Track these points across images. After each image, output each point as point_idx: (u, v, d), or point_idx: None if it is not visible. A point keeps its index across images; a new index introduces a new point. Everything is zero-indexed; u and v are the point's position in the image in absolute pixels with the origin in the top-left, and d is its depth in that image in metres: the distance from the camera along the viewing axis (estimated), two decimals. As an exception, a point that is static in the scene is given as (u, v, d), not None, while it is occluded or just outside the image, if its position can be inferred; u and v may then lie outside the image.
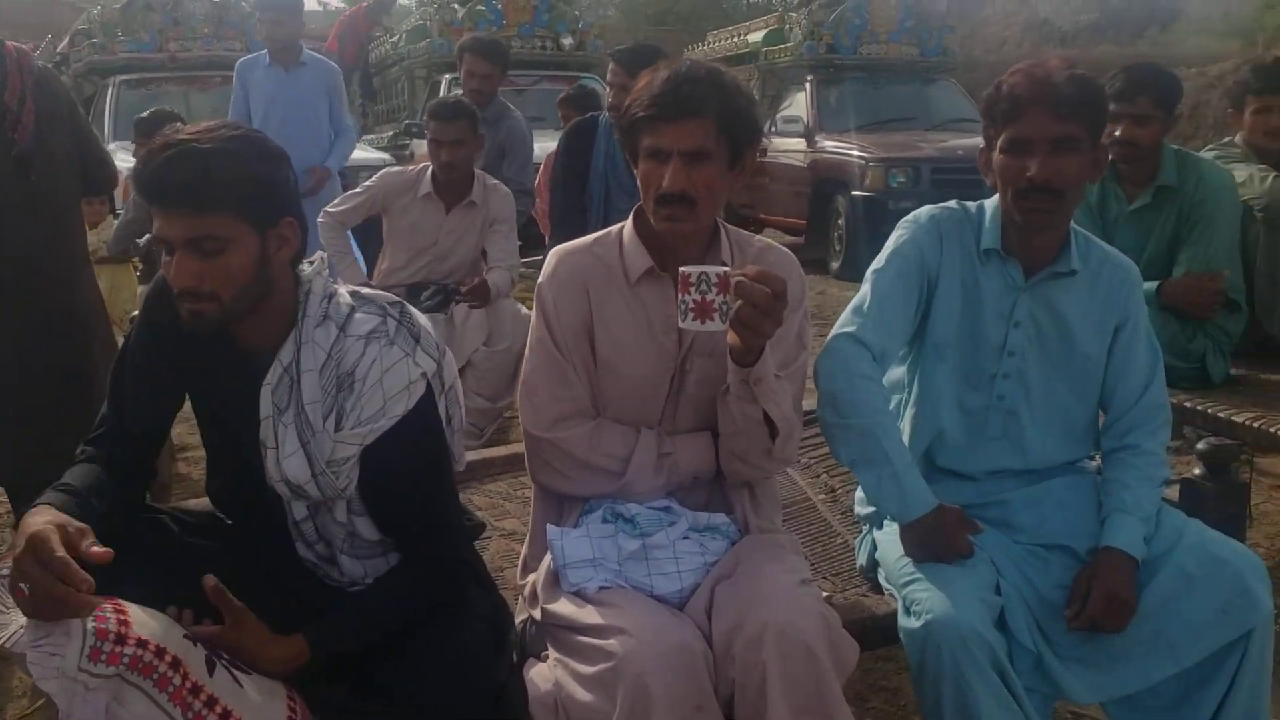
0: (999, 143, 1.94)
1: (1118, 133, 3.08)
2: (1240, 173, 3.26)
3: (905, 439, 2.04)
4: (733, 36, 11.68)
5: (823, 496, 2.54)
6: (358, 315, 1.67)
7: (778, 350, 1.83)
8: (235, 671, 1.45)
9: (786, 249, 2.02)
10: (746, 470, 1.89)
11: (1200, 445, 2.13)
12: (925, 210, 2.07)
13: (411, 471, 1.69)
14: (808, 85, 9.63)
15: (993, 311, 2.01)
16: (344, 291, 1.72)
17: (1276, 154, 3.38)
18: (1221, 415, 2.71)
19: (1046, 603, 1.91)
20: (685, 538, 1.85)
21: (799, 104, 9.68)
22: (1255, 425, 2.60)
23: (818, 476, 2.64)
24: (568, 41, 10.23)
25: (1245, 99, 3.41)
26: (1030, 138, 1.89)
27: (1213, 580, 1.85)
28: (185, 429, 4.33)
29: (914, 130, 9.00)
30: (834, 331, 2.00)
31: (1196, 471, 2.13)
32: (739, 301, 1.60)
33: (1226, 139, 3.52)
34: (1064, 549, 1.97)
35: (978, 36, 25.73)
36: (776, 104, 10.16)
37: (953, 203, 2.09)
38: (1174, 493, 2.18)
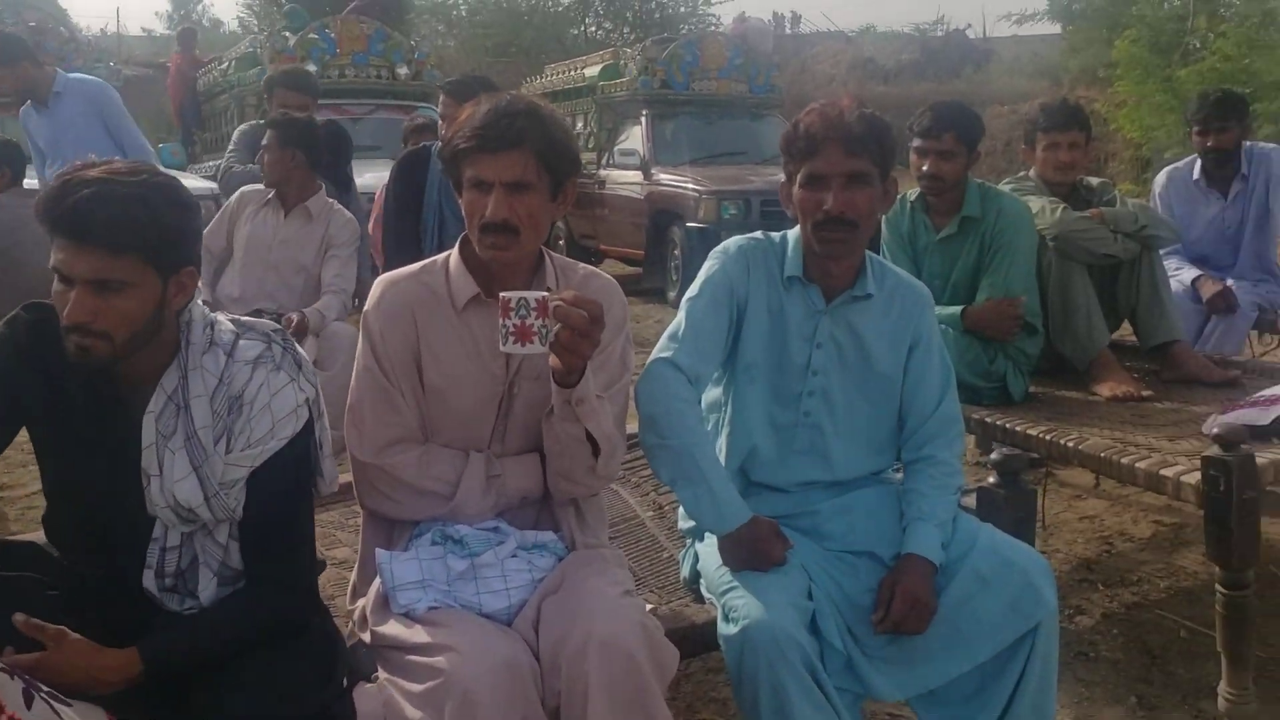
0: (798, 177, 2.08)
1: (925, 167, 3.30)
2: (1034, 204, 3.52)
3: (721, 456, 2.15)
4: (570, 70, 11.85)
5: (650, 514, 2.63)
6: (242, 341, 1.73)
7: (602, 372, 1.92)
8: (55, 703, 1.43)
9: (609, 276, 2.11)
10: (573, 488, 1.96)
11: (994, 456, 2.31)
12: (734, 241, 2.19)
13: (286, 492, 1.74)
14: (643, 119, 9.84)
15: (797, 334, 2.14)
16: (223, 319, 1.77)
17: (1065, 186, 3.67)
18: (1019, 429, 2.91)
19: (855, 606, 2.04)
20: (513, 556, 1.91)
21: (635, 137, 9.89)
22: (1048, 438, 2.80)
23: (646, 495, 2.74)
24: (403, 71, 10.19)
25: (1036, 136, 3.69)
26: (825, 173, 2.03)
27: (1003, 580, 2.00)
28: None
29: (745, 164, 9.30)
30: (651, 357, 2.09)
31: (991, 480, 2.30)
32: (558, 325, 1.68)
33: (1022, 173, 3.80)
34: (870, 555, 2.10)
35: (808, 74, 26.70)
36: (613, 137, 10.35)
37: (758, 233, 2.22)
38: (972, 500, 2.34)
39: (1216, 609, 2.43)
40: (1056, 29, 17.74)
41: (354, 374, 1.97)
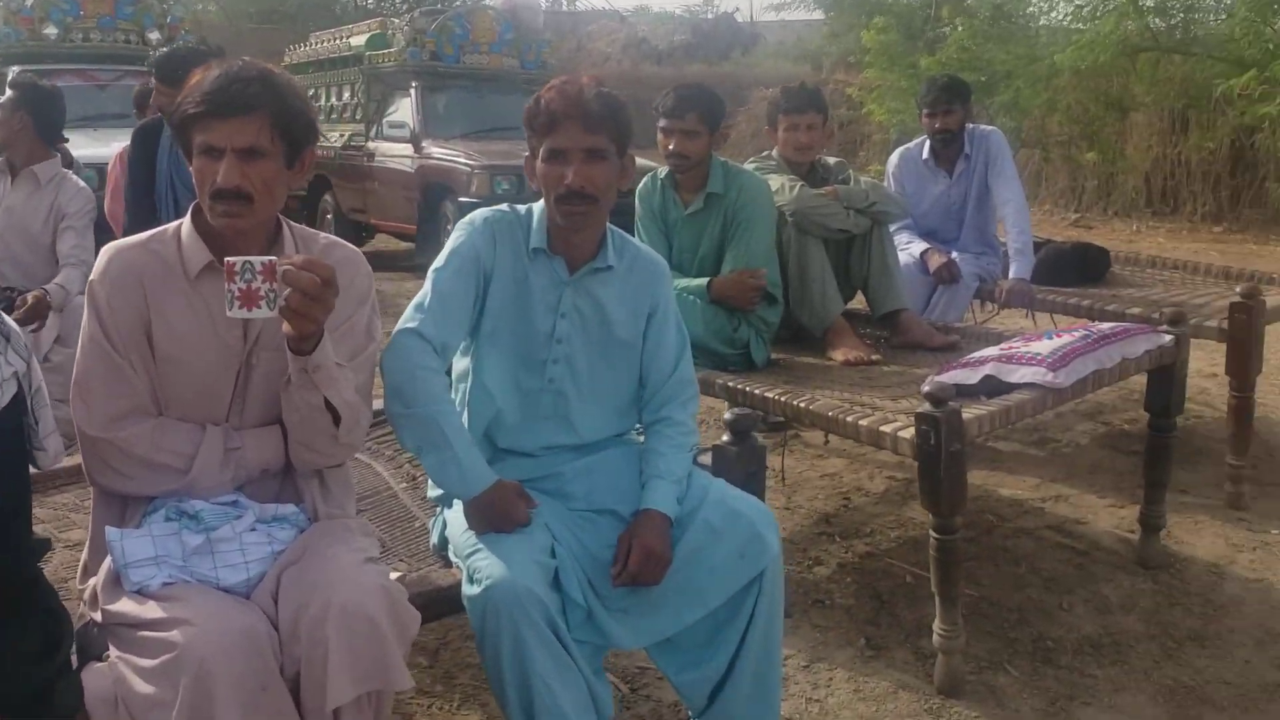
0: (540, 152, 2.15)
1: (671, 145, 3.44)
2: (774, 182, 3.72)
3: (467, 422, 2.20)
4: (335, 39, 11.48)
5: (404, 485, 2.65)
6: None
7: (346, 342, 1.93)
8: None
9: (353, 246, 2.11)
10: (315, 458, 1.97)
11: (726, 416, 2.45)
12: (480, 212, 2.24)
13: None
14: (413, 91, 9.67)
15: (542, 304, 2.21)
16: None
17: (805, 165, 3.90)
18: (758, 392, 3.09)
19: (597, 561, 2.13)
20: (252, 530, 1.90)
21: (405, 109, 9.70)
22: (783, 400, 2.99)
23: (400, 467, 2.75)
24: (154, 36, 9.63)
25: (778, 118, 3.89)
26: (565, 148, 2.11)
27: (732, 530, 2.14)
28: None
29: (517, 139, 9.12)
30: (397, 327, 2.11)
31: (724, 438, 2.44)
32: (288, 290, 1.69)
33: (765, 152, 4.01)
34: (612, 513, 2.20)
35: (584, 52, 26.87)
36: (382, 109, 10.12)
37: (504, 206, 2.27)
38: (708, 458, 2.48)
39: (930, 553, 2.67)
40: (819, 15, 18.49)
41: (79, 346, 1.90)
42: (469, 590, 1.98)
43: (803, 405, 2.94)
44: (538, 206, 2.24)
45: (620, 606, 2.13)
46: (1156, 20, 8.92)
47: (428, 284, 2.16)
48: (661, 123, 3.45)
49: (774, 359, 3.64)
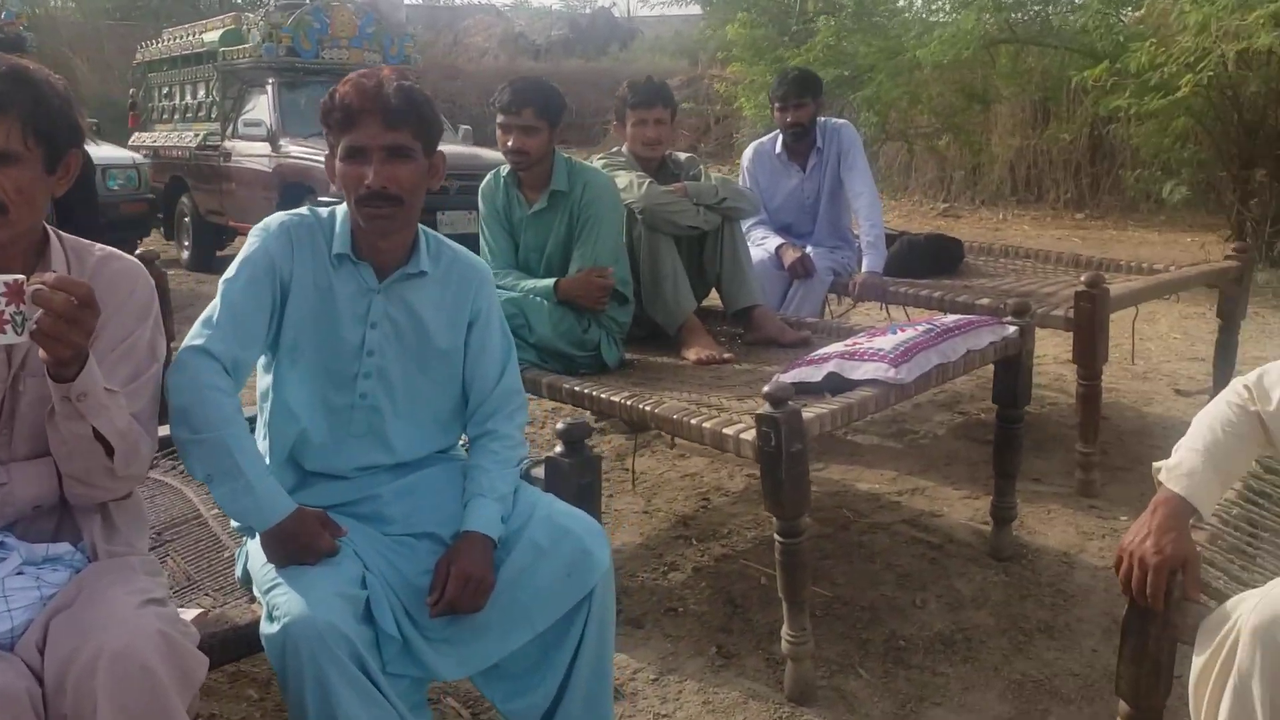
0: (339, 150, 2.00)
1: (509, 142, 3.32)
2: (623, 179, 3.63)
3: (268, 444, 2.04)
4: (188, 35, 11.02)
5: (215, 512, 2.47)
6: None
7: (126, 362, 1.76)
8: None
9: (133, 258, 1.93)
10: (92, 492, 1.79)
11: (558, 426, 2.34)
12: (275, 217, 2.08)
13: None
14: (270, 88, 9.32)
15: (349, 314, 2.06)
16: None
17: (654, 161, 3.81)
18: (603, 396, 2.99)
19: (414, 589, 1.99)
20: (19, 573, 1.71)
21: (261, 107, 9.35)
22: (628, 403, 2.89)
23: (210, 492, 2.57)
24: (-13, 30, 9.09)
25: (625, 112, 3.80)
26: (365, 145, 1.96)
27: (559, 548, 2.03)
28: None
29: (381, 136, 9.02)
30: (183, 344, 1.95)
31: (557, 449, 2.33)
32: (39, 311, 1.51)
33: (615, 149, 3.91)
34: (432, 536, 2.07)
35: (460, 46, 26.51)
36: (238, 107, 9.75)
37: (304, 209, 2.12)
38: (542, 470, 2.37)
39: (775, 558, 2.60)
40: (697, 9, 18.53)
41: None
42: (267, 629, 1.83)
43: (648, 409, 2.85)
44: (341, 210, 2.09)
45: (441, 635, 2.00)
46: (1015, 14, 9.08)
47: (217, 297, 2.00)
48: (499, 119, 3.33)
49: (627, 360, 3.55)
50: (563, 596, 2.03)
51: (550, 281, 3.35)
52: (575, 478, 2.30)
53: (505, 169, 3.46)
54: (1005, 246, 5.12)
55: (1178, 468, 1.99)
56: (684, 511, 3.75)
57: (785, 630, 2.63)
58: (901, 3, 9.67)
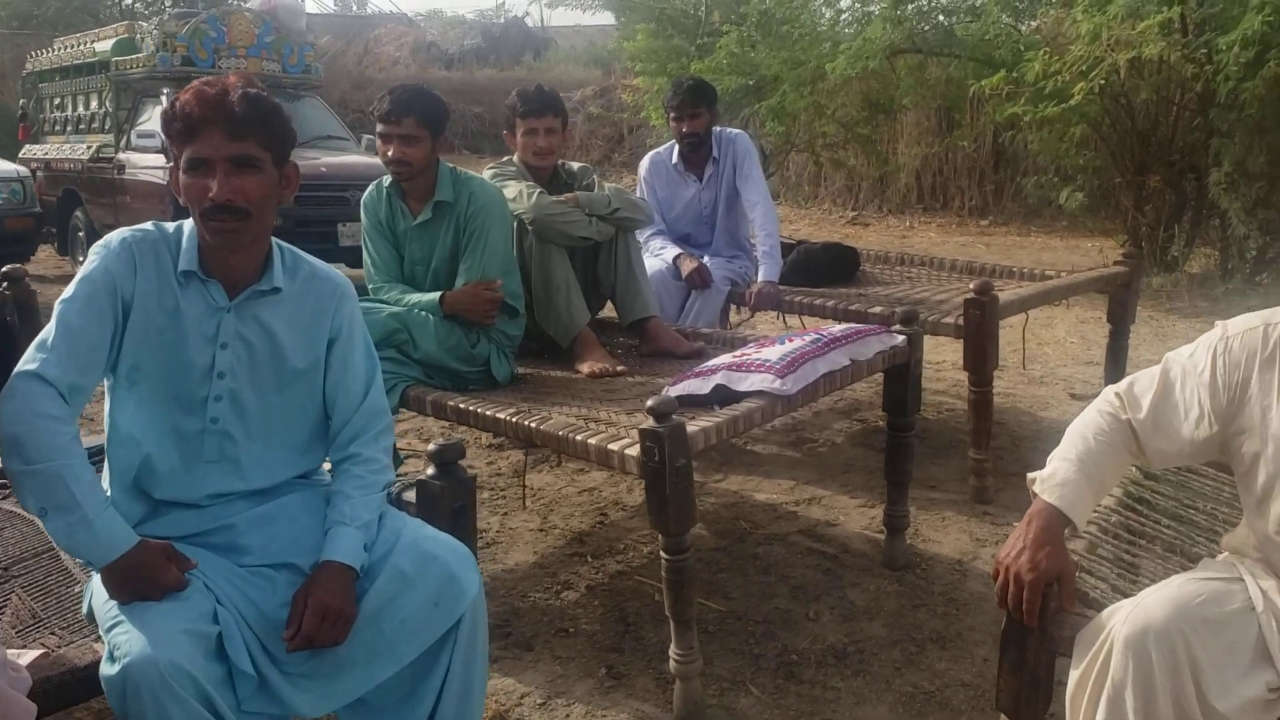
0: (182, 162, 1.90)
1: (390, 152, 3.23)
2: (512, 189, 3.56)
3: (109, 474, 1.93)
4: (80, 44, 10.66)
5: (67, 544, 2.34)
6: None
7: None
8: None
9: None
10: None
11: (430, 447, 2.25)
12: (118, 234, 1.96)
13: None
14: (165, 99, 9.05)
15: (197, 335, 1.96)
16: None
17: (546, 171, 3.74)
18: (489, 414, 2.91)
19: (271, 623, 1.89)
20: None
21: (156, 119, 9.08)
22: (514, 420, 2.82)
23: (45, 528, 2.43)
24: None
25: (515, 122, 3.72)
26: (208, 157, 1.87)
27: (425, 576, 1.95)
28: None
29: (280, 147, 8.83)
30: (16, 370, 1.82)
31: (429, 471, 2.24)
32: None
33: (506, 158, 3.83)
34: (291, 566, 1.97)
35: (371, 56, 26.15)
36: (132, 118, 9.45)
37: (149, 224, 2.01)
38: (414, 494, 2.28)
39: (662, 575, 2.54)
40: (610, 19, 18.48)
41: None
42: (107, 670, 1.71)
43: (534, 425, 2.78)
44: (188, 224, 1.99)
45: (301, 671, 1.90)
46: (918, 24, 9.20)
47: (53, 318, 1.88)
48: (379, 128, 3.24)
49: (520, 374, 3.48)
50: (430, 626, 1.95)
51: (436, 295, 3.26)
52: (448, 501, 2.21)
53: (387, 180, 3.37)
54: (901, 254, 5.15)
55: (1051, 478, 1.98)
56: (580, 528, 3.68)
57: (673, 649, 2.57)
58: (801, 14, 9.71)
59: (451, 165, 3.38)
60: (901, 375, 3.20)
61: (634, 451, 2.51)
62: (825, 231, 11.42)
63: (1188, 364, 1.94)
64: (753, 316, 4.90)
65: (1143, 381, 2.00)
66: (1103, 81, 7.02)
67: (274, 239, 2.04)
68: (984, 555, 3.40)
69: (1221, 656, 1.77)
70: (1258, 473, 1.86)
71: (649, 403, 2.46)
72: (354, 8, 32.55)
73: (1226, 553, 2.08)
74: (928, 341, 4.74)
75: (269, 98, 1.93)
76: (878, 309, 3.87)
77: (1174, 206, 8.05)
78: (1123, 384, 2.04)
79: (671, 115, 4.54)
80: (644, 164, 4.69)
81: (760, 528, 3.63)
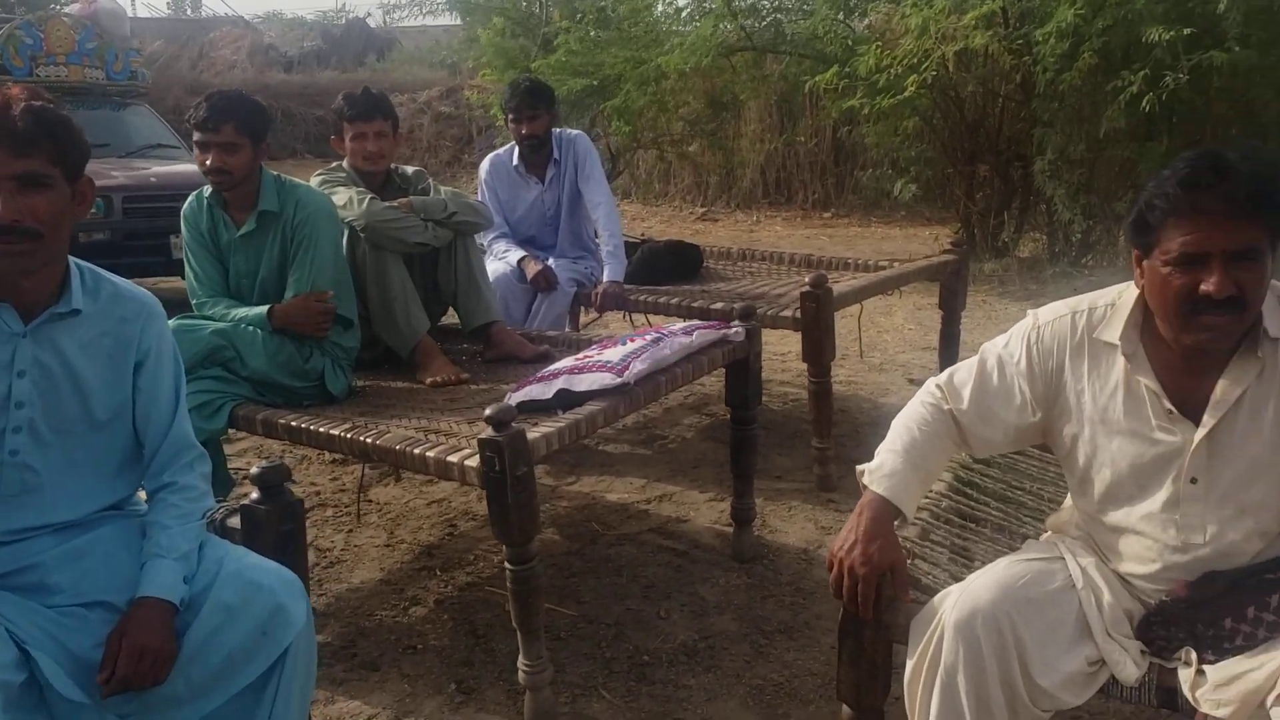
0: None
1: (209, 161, 3.09)
2: (341, 195, 3.45)
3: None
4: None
5: None
6: None
7: None
8: None
9: None
10: None
11: (253, 470, 2.16)
12: None
13: None
14: (-25, 108, 8.52)
15: (-10, 363, 1.83)
16: None
17: (378, 176, 3.65)
18: (322, 430, 2.81)
19: (84, 665, 1.79)
20: None
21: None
22: (348, 436, 2.73)
23: None
24: None
25: (343, 126, 3.62)
26: None
27: (251, 607, 1.86)
28: None
29: (106, 157, 8.39)
30: None
31: (253, 496, 2.15)
32: None
33: (335, 164, 3.72)
34: (105, 605, 1.86)
35: (206, 60, 25.21)
36: (-60, 129, 8.87)
37: None
38: (239, 520, 2.18)
39: (507, 586, 2.50)
40: (458, 19, 18.25)
41: None
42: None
43: (370, 440, 2.70)
44: (-24, 248, 1.85)
45: (125, 711, 1.80)
46: (750, 21, 9.34)
47: None
48: (195, 137, 3.10)
49: (359, 387, 3.38)
50: (258, 657, 1.87)
51: (264, 309, 3.14)
52: (274, 526, 2.12)
53: (208, 190, 3.23)
54: (743, 250, 5.21)
55: (879, 469, 2.02)
56: (429, 541, 3.60)
57: (521, 660, 2.54)
58: (645, 12, 9.76)
59: (276, 173, 3.26)
60: (742, 369, 3.24)
61: (474, 462, 2.46)
62: (676, 228, 11.50)
63: (1004, 353, 2.01)
64: (601, 317, 4.89)
65: (962, 373, 2.06)
66: (933, 74, 7.26)
67: (73, 259, 1.92)
68: (828, 543, 3.43)
69: (1045, 635, 1.83)
70: (1078, 454, 1.94)
71: (487, 411, 2.42)
72: (188, 11, 31.38)
73: (1050, 532, 2.16)
74: (772, 334, 4.83)
75: (55, 109, 1.81)
76: (719, 305, 3.91)
77: (1003, 194, 8.39)
78: (943, 376, 2.10)
79: (510, 117, 4.50)
80: (484, 166, 4.63)
81: (612, 528, 3.62)
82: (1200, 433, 1.79)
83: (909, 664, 1.90)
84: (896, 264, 4.66)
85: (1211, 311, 1.70)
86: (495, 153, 4.66)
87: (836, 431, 3.96)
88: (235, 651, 1.85)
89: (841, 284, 4.07)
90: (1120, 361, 1.86)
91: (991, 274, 7.87)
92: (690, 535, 3.55)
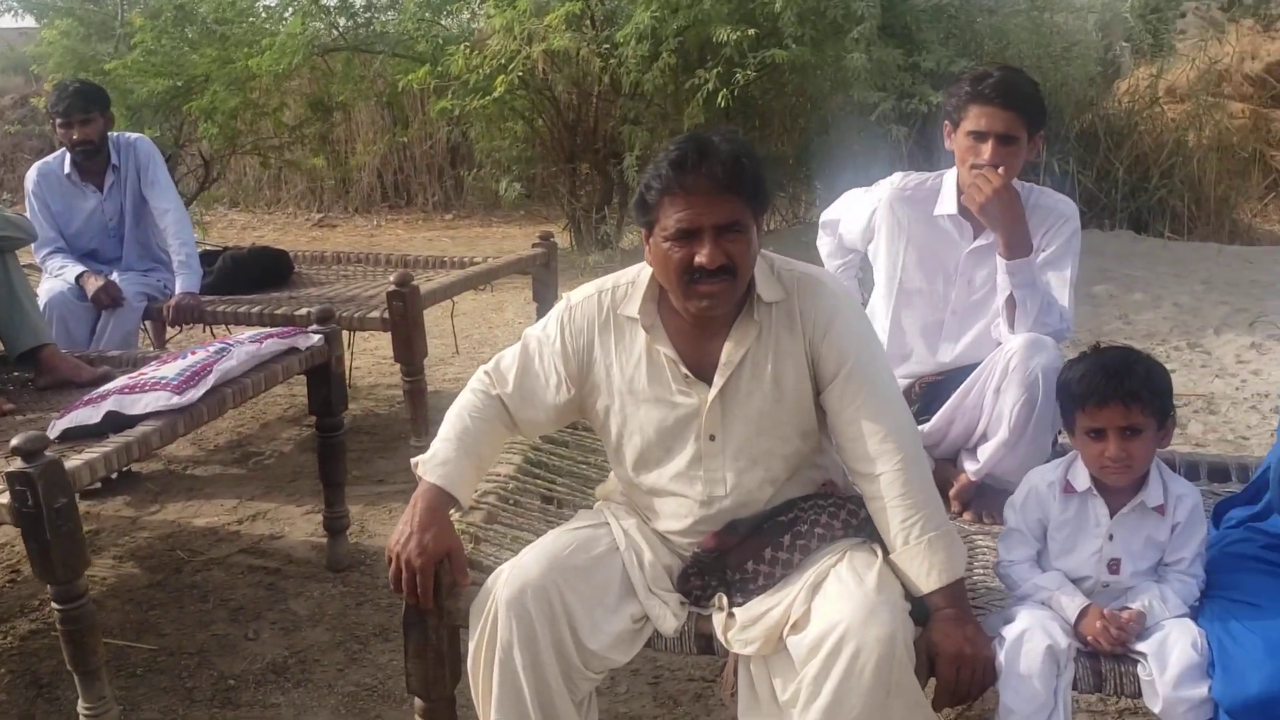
0: None
1: None
2: None
3: None
4: None
5: None
6: None
7: None
8: None
9: None
10: None
11: None
12: None
13: None
14: None
15: None
16: None
17: None
18: None
19: None
20: None
21: None
22: None
23: None
24: None
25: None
26: None
27: None
28: None
29: None
30: None
31: None
32: None
33: None
34: None
35: None
36: None
37: None
38: None
39: (58, 627, 2.31)
40: (34, 23, 16.46)
41: None
42: None
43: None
44: None
45: None
46: (343, 20, 9.12)
47: None
48: None
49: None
50: None
51: None
52: None
53: None
54: (337, 253, 5.10)
55: (432, 459, 2.05)
56: (-15, 591, 3.25)
57: (81, 704, 2.37)
58: (233, 10, 9.27)
59: None
60: (323, 375, 3.17)
61: (5, 499, 2.25)
62: (291, 236, 11.05)
63: (541, 335, 2.10)
64: (182, 331, 4.61)
65: (507, 358, 2.13)
66: (521, 74, 7.42)
67: None
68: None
69: (592, 599, 1.93)
70: (610, 425, 2.06)
71: (13, 441, 2.22)
72: None
73: (601, 501, 2.27)
74: (367, 337, 4.78)
75: None
76: (303, 310, 3.80)
77: (603, 190, 8.74)
78: (491, 362, 2.16)
79: (59, 123, 4.13)
80: (31, 176, 4.20)
81: (199, 554, 3.42)
82: (712, 393, 1.95)
83: (470, 646, 1.94)
84: (488, 260, 4.73)
85: (707, 280, 1.86)
86: (44, 160, 4.25)
87: (436, 430, 3.95)
88: None
89: (431, 282, 4.08)
90: (641, 334, 1.99)
91: (596, 265, 8.17)
92: (284, 551, 3.42)
